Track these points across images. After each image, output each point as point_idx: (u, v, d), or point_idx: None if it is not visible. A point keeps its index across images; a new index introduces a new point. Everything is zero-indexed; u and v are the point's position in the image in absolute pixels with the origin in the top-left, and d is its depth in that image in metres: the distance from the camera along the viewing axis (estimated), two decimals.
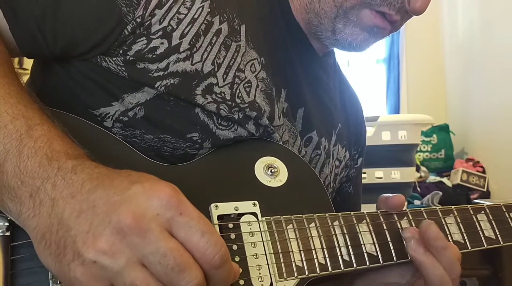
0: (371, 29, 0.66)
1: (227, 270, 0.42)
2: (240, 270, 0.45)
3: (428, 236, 0.59)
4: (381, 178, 1.75)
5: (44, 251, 0.42)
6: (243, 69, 0.63)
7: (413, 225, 0.63)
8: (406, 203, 1.86)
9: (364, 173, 1.71)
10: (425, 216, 0.64)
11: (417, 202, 2.16)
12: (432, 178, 2.48)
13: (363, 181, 1.68)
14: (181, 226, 0.41)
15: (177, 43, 0.59)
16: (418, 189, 2.30)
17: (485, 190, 2.39)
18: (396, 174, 1.76)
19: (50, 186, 0.43)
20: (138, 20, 0.57)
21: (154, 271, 0.39)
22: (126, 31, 0.57)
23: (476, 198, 2.28)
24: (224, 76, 0.61)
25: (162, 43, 0.58)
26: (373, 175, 1.75)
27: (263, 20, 0.68)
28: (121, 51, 0.58)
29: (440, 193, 2.13)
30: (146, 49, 0.58)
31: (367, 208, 0.67)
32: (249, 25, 0.64)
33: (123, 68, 0.58)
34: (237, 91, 0.62)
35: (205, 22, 0.60)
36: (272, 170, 0.62)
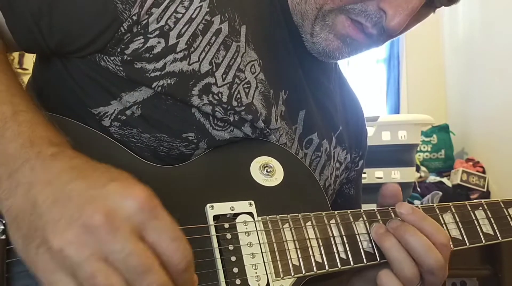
0: (344, 38, 0.65)
1: (190, 277, 0.43)
2: (197, 281, 0.45)
3: (400, 214, 0.60)
4: (381, 178, 1.75)
5: (15, 233, 0.42)
6: (243, 70, 0.63)
7: None
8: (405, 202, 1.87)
9: (364, 173, 1.70)
10: None
11: (417, 202, 2.16)
12: (432, 178, 2.48)
13: (363, 181, 1.68)
14: (152, 230, 0.41)
15: (174, 42, 0.59)
16: (418, 189, 2.30)
17: (485, 190, 2.39)
18: (396, 174, 1.76)
19: (29, 169, 0.43)
20: (134, 17, 0.57)
21: (117, 268, 0.39)
22: (122, 28, 0.57)
23: (476, 198, 2.28)
24: (224, 76, 0.61)
25: (159, 43, 0.58)
26: (373, 175, 1.75)
27: (265, 21, 0.68)
28: (118, 50, 0.58)
29: (440, 193, 2.13)
30: (143, 48, 0.58)
31: (367, 208, 0.67)
32: (250, 26, 0.64)
33: (121, 68, 0.58)
34: (236, 92, 0.62)
35: (203, 21, 0.60)
36: (268, 170, 0.62)
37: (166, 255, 0.41)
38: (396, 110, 3.40)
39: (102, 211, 0.40)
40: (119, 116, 0.59)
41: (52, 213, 0.41)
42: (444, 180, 2.44)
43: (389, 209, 0.64)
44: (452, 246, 0.63)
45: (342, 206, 0.82)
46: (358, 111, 0.87)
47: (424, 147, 2.73)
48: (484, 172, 2.50)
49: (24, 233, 0.42)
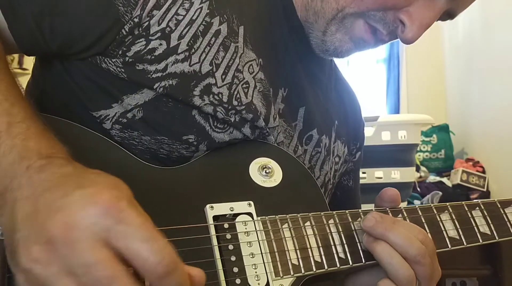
0: (358, 41, 0.68)
1: (176, 279, 0.38)
2: (204, 275, 0.42)
3: (365, 228, 0.59)
4: (381, 178, 1.75)
5: (6, 251, 0.42)
6: (242, 70, 0.63)
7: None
8: (406, 203, 1.87)
9: (364, 173, 1.71)
10: (420, 213, 0.65)
11: (417, 202, 2.17)
12: (432, 178, 2.49)
13: (363, 181, 1.68)
14: (120, 235, 0.38)
15: (175, 44, 0.59)
16: (418, 189, 2.31)
17: (485, 190, 2.40)
18: (396, 174, 1.76)
19: (17, 186, 0.42)
20: (136, 20, 0.58)
21: (82, 283, 0.37)
22: (124, 31, 0.58)
23: (476, 198, 2.28)
24: (223, 77, 0.62)
25: (160, 44, 0.59)
26: (373, 175, 1.75)
27: (263, 20, 0.68)
28: (120, 52, 0.59)
29: (440, 193, 2.13)
30: (145, 50, 0.59)
31: (367, 208, 0.67)
32: (248, 26, 0.65)
33: (123, 70, 0.59)
34: (235, 92, 0.62)
35: (203, 23, 0.61)
36: (267, 171, 0.62)
37: (140, 259, 0.37)
38: (396, 110, 3.40)
39: (60, 224, 0.38)
40: (120, 119, 0.60)
41: (23, 229, 0.39)
42: (444, 180, 2.45)
43: (387, 209, 0.64)
44: (449, 245, 0.64)
45: (341, 198, 0.83)
46: (356, 105, 0.88)
47: (424, 147, 2.74)
48: (484, 172, 2.51)
49: (9, 252, 0.41)
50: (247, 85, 0.63)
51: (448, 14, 0.69)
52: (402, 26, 0.65)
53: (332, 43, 0.68)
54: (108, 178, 0.42)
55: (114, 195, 0.39)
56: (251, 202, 0.58)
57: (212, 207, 0.56)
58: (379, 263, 0.58)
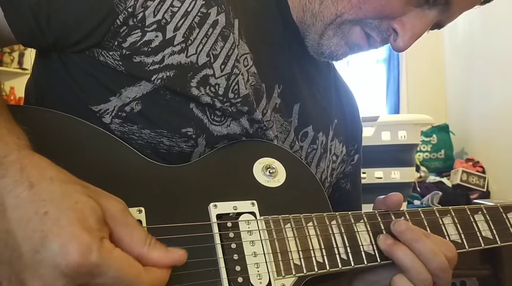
0: (353, 46, 0.69)
1: None
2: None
3: (395, 231, 0.60)
4: (381, 178, 1.75)
5: None
6: (239, 61, 0.64)
7: None
8: (406, 203, 1.88)
9: (364, 173, 1.71)
10: (422, 216, 0.65)
11: (417, 202, 2.17)
12: (432, 178, 2.49)
13: (363, 181, 1.67)
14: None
15: (171, 36, 0.60)
16: (418, 189, 2.31)
17: (485, 190, 2.40)
18: (396, 174, 1.76)
19: None
20: (130, 10, 0.58)
21: None
22: (118, 21, 0.58)
23: (476, 198, 2.28)
24: (222, 67, 0.62)
25: (156, 36, 0.59)
26: (373, 175, 1.75)
27: (258, 16, 0.69)
28: (116, 43, 0.59)
29: (440, 193, 2.13)
30: (141, 42, 0.59)
31: (367, 208, 0.67)
32: (242, 20, 0.65)
33: (120, 63, 0.59)
34: (233, 83, 0.62)
35: (199, 14, 0.61)
36: (271, 171, 0.62)
37: None
38: (396, 110, 3.41)
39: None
40: (119, 113, 0.60)
41: (1, 266, 0.40)
42: (444, 180, 2.45)
43: (390, 212, 0.64)
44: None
45: (339, 200, 0.84)
46: (354, 106, 0.89)
47: (424, 147, 2.74)
48: (484, 172, 2.51)
49: None
50: (243, 77, 0.64)
51: (437, 25, 0.71)
52: (394, 35, 0.67)
53: (328, 47, 0.69)
54: (67, 205, 0.41)
55: (83, 244, 0.39)
56: (255, 202, 0.58)
57: (215, 205, 0.56)
58: (398, 265, 0.59)
